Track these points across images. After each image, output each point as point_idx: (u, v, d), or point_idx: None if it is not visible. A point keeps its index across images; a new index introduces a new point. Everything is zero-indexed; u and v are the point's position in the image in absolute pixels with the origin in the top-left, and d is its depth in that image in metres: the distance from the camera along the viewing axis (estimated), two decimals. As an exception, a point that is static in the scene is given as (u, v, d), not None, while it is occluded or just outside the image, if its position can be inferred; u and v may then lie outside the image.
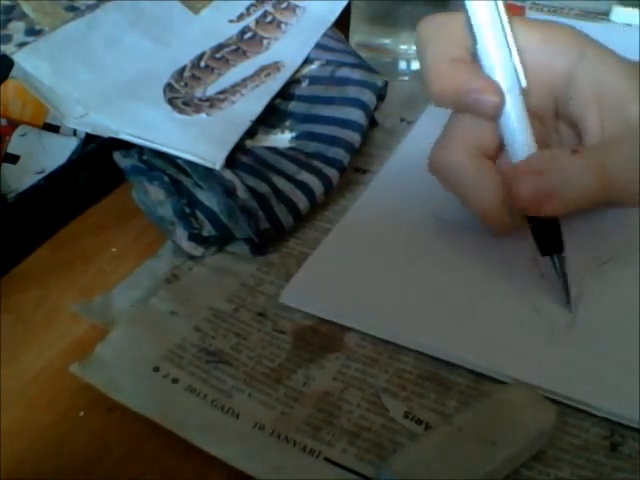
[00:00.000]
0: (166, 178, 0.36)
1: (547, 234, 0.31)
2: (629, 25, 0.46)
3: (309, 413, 0.28)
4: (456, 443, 0.25)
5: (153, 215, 0.36)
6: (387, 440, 0.27)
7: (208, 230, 0.35)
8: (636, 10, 0.46)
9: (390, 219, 0.37)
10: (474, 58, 0.30)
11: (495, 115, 0.30)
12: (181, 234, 0.35)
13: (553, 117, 0.33)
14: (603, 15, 0.47)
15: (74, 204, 0.41)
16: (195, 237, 0.35)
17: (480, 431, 0.25)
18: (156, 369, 0.30)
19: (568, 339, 0.30)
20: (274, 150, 0.39)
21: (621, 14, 0.46)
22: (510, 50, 0.30)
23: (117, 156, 0.36)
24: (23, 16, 0.39)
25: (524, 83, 0.30)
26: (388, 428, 0.28)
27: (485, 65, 0.30)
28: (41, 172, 0.41)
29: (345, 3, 0.45)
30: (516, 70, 0.30)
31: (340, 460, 0.27)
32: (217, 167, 0.34)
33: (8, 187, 0.40)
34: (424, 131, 0.43)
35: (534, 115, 0.32)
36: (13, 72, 0.40)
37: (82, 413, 0.30)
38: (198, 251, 0.36)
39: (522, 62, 0.30)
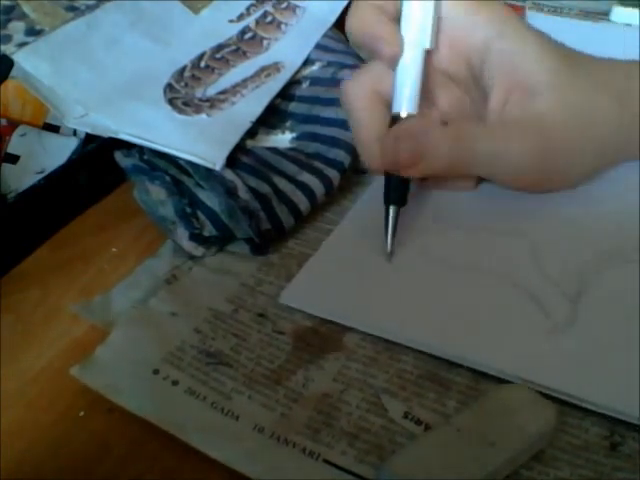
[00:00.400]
0: (167, 178, 0.36)
1: (396, 187, 0.33)
2: (629, 25, 0.46)
3: (309, 415, 0.28)
4: (455, 444, 0.25)
5: (154, 215, 0.36)
6: (387, 441, 0.27)
7: (209, 230, 0.35)
8: (636, 10, 0.46)
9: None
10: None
11: (391, 65, 0.33)
12: (182, 234, 0.35)
13: (471, 82, 0.35)
14: (603, 15, 0.47)
15: (74, 204, 0.41)
16: (196, 237, 0.35)
17: (479, 432, 0.25)
18: (156, 371, 0.30)
19: (569, 336, 0.30)
20: (275, 150, 0.39)
21: (621, 14, 0.46)
22: (429, 12, 0.32)
23: (118, 155, 0.36)
24: (23, 16, 0.39)
25: (429, 45, 0.33)
26: (388, 429, 0.28)
27: (402, 18, 0.33)
28: (41, 172, 0.41)
29: (345, 3, 0.45)
30: (426, 31, 0.33)
31: (340, 462, 0.27)
32: (217, 168, 0.34)
33: (8, 187, 0.40)
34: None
35: (449, 78, 0.35)
36: (13, 72, 0.40)
37: (82, 413, 0.30)
38: (199, 251, 0.36)
39: (439, 27, 0.33)
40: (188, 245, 0.35)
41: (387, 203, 0.34)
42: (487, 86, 0.34)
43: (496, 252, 0.34)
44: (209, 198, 0.35)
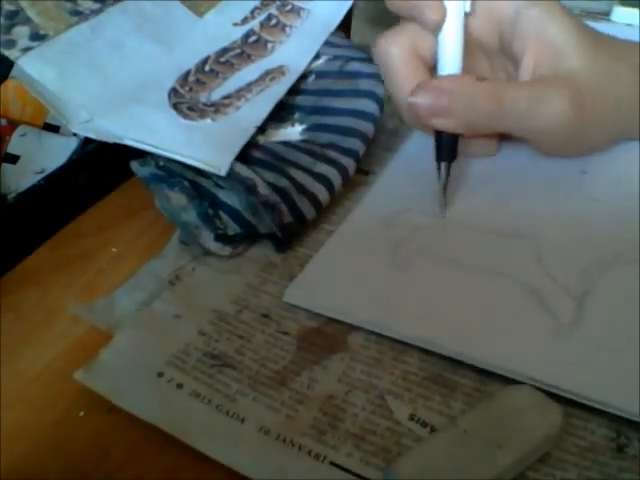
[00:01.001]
0: (186, 183, 0.35)
1: (445, 143, 0.35)
2: (630, 25, 0.46)
3: (314, 416, 0.28)
4: (461, 446, 0.25)
5: (177, 221, 0.36)
6: (392, 443, 0.27)
7: (233, 229, 0.35)
8: (637, 10, 0.46)
9: (393, 219, 0.37)
10: None
11: (435, 30, 0.35)
12: (207, 236, 0.35)
13: (500, 53, 0.37)
14: (604, 15, 0.47)
15: (74, 204, 0.40)
16: (221, 237, 0.35)
17: (485, 434, 0.25)
18: (160, 374, 0.30)
19: (574, 336, 0.30)
20: (287, 144, 0.39)
21: (622, 14, 0.47)
22: None
23: (135, 166, 0.36)
24: (27, 21, 0.39)
25: (468, 9, 0.35)
26: (393, 431, 0.27)
27: None
28: (41, 172, 0.40)
29: (349, 5, 0.44)
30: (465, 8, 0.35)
31: (345, 464, 0.26)
32: (222, 173, 0.34)
33: (8, 187, 0.39)
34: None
35: (480, 47, 0.37)
36: (13, 72, 0.40)
37: (82, 414, 0.30)
38: (225, 251, 0.36)
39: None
40: (214, 246, 0.35)
41: (438, 160, 0.35)
42: (517, 53, 0.35)
43: (501, 252, 0.34)
44: (229, 197, 0.35)
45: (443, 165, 0.35)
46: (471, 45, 0.36)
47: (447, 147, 0.35)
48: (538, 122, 0.34)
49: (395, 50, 0.36)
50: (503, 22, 0.35)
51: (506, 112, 0.34)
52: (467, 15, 0.35)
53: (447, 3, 0.34)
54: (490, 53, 0.37)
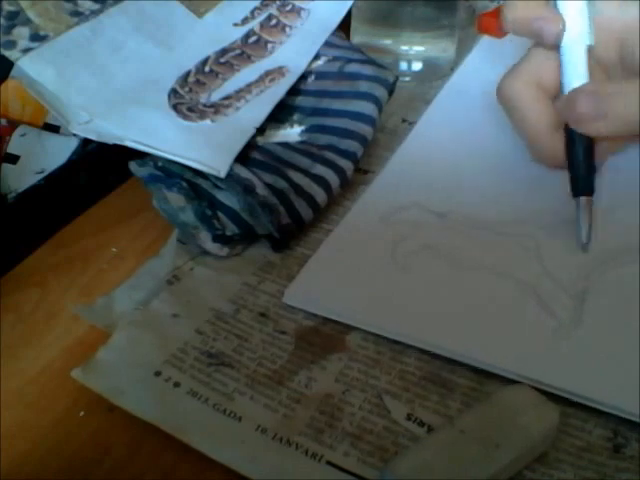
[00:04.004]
0: (184, 183, 0.35)
1: (581, 176, 0.34)
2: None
3: (311, 415, 0.28)
4: (458, 446, 0.25)
5: (176, 221, 0.36)
6: (389, 443, 0.27)
7: (231, 229, 0.35)
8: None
9: (392, 218, 0.37)
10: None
11: (555, 43, 0.35)
12: (205, 237, 0.35)
13: (618, 67, 0.36)
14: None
15: (74, 204, 0.40)
16: (219, 238, 0.35)
17: (482, 433, 0.25)
18: (158, 373, 0.30)
19: (574, 336, 0.30)
20: (286, 145, 0.39)
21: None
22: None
23: (133, 166, 0.36)
24: (28, 21, 0.39)
25: (590, 41, 0.34)
26: (390, 430, 0.28)
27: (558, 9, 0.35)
28: (41, 172, 0.40)
29: (349, 5, 0.44)
30: (586, 19, 0.34)
31: (342, 463, 0.26)
32: (222, 175, 0.34)
33: (8, 187, 0.39)
34: (425, 132, 0.43)
35: (599, 63, 0.36)
36: (13, 73, 0.40)
37: (82, 413, 0.30)
38: (224, 251, 0.36)
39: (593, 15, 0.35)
40: (213, 247, 0.35)
41: (576, 194, 0.34)
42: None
43: (501, 251, 0.34)
44: (227, 198, 0.35)
45: (582, 200, 0.33)
46: (591, 62, 0.36)
47: (586, 178, 0.34)
48: None
49: (517, 87, 0.36)
50: (624, 35, 0.35)
51: None
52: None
53: (566, 15, 0.34)
54: (609, 68, 0.37)
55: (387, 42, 0.49)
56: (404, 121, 0.45)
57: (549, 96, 0.36)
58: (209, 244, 0.35)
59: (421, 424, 0.28)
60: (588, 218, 0.33)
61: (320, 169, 0.37)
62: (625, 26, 0.35)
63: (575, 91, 0.34)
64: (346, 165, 0.38)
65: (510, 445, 0.25)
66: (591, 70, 0.35)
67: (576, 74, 0.34)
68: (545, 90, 0.36)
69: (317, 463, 0.26)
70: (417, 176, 0.39)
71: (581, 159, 0.34)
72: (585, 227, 0.33)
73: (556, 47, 0.35)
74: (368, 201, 0.38)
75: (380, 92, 0.40)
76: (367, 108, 0.40)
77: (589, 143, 0.34)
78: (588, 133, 0.33)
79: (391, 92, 0.41)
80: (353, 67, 0.41)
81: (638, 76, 0.35)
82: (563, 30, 0.34)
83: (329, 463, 0.26)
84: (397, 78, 0.42)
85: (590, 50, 0.35)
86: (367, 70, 0.41)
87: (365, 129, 0.39)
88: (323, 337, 0.32)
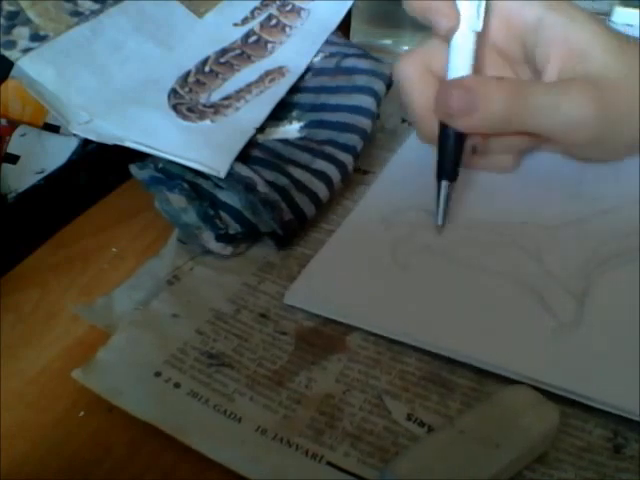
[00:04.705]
0: (185, 184, 0.35)
1: (448, 163, 0.35)
2: (630, 25, 0.47)
3: (311, 416, 0.28)
4: (459, 446, 0.25)
5: (178, 222, 0.36)
6: (390, 443, 0.27)
7: (234, 228, 0.35)
8: (637, 11, 0.46)
9: (392, 219, 0.37)
10: None
11: (447, 37, 0.35)
12: (208, 237, 0.35)
13: (523, 62, 0.37)
14: (604, 16, 0.47)
15: (74, 204, 0.40)
16: (222, 237, 0.35)
17: (482, 434, 0.25)
18: (158, 374, 0.30)
19: (574, 335, 0.30)
20: (286, 142, 0.39)
21: (622, 15, 0.47)
22: None
23: (134, 169, 0.36)
24: (28, 21, 0.39)
25: (479, 28, 0.35)
26: (391, 431, 0.28)
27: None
28: (41, 172, 0.40)
29: (349, 5, 0.44)
30: (477, 14, 0.34)
31: (343, 464, 0.26)
32: (222, 175, 0.34)
33: (8, 187, 0.39)
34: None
35: (504, 58, 0.37)
36: (13, 73, 0.40)
37: (82, 413, 0.30)
38: (227, 250, 0.36)
39: (494, 10, 0.35)
40: (216, 246, 0.35)
41: (439, 179, 0.35)
42: (541, 60, 0.35)
43: (501, 251, 0.34)
44: (229, 196, 0.35)
45: (444, 184, 0.35)
46: (494, 56, 0.37)
47: (448, 166, 0.35)
48: (560, 119, 0.33)
49: (408, 68, 0.37)
50: (525, 30, 0.35)
51: (528, 107, 0.34)
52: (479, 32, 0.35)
53: (461, 9, 0.34)
54: (514, 63, 0.38)
55: (387, 42, 0.49)
56: (404, 121, 0.45)
57: (437, 80, 0.36)
58: (212, 244, 0.35)
59: (421, 424, 0.28)
60: (444, 202, 0.35)
61: (321, 164, 0.37)
62: (526, 25, 0.35)
63: (448, 83, 0.35)
64: (347, 159, 0.38)
65: (510, 445, 0.25)
66: (484, 63, 0.36)
67: (459, 65, 0.35)
68: (435, 76, 0.36)
69: (317, 464, 0.26)
70: (417, 177, 0.39)
71: (448, 148, 0.35)
72: (442, 210, 0.35)
73: (447, 39, 0.35)
74: (369, 202, 0.38)
75: (378, 85, 0.40)
76: (365, 101, 0.40)
77: (460, 134, 0.35)
78: (456, 127, 0.34)
79: (389, 85, 0.41)
80: (350, 62, 0.41)
81: (536, 76, 0.36)
82: (457, 26, 0.34)
83: (329, 464, 0.26)
84: None
85: (494, 44, 0.36)
86: (364, 64, 0.41)
87: (364, 122, 0.39)
88: (323, 338, 0.32)
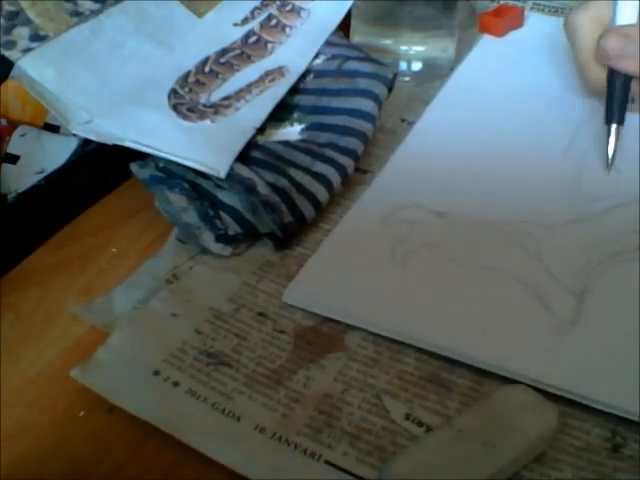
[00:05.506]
0: (186, 184, 0.36)
1: (615, 107, 0.38)
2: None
3: (310, 415, 0.28)
4: (457, 445, 0.25)
5: (178, 222, 0.36)
6: (388, 442, 0.27)
7: (234, 229, 0.35)
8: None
9: (391, 217, 0.37)
10: None
11: None
12: (208, 237, 0.35)
13: None
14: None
15: (74, 204, 0.40)
16: (222, 238, 0.35)
17: (481, 433, 0.25)
18: (156, 373, 0.30)
19: (574, 335, 0.30)
20: (286, 144, 0.39)
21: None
22: None
23: (134, 168, 0.36)
24: (28, 22, 0.39)
25: None
26: (389, 430, 0.28)
27: None
28: (41, 172, 0.40)
29: (349, 5, 0.44)
30: None
31: (341, 463, 0.26)
32: (222, 175, 0.34)
33: (8, 187, 0.40)
34: (425, 132, 0.43)
35: None
36: (13, 73, 0.40)
37: (82, 414, 0.30)
38: (227, 251, 0.36)
39: None
40: (216, 247, 0.35)
41: (609, 122, 0.38)
42: None
43: (501, 251, 0.34)
44: (229, 197, 0.35)
45: (613, 127, 0.38)
46: None
47: (619, 109, 0.38)
48: None
49: (580, 18, 0.40)
50: None
51: None
52: None
53: None
54: None
55: (387, 42, 0.49)
56: (403, 121, 0.45)
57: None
58: (212, 244, 0.35)
59: (420, 424, 0.28)
60: (614, 143, 0.38)
61: (321, 167, 0.37)
62: None
63: (609, 30, 0.38)
64: (347, 162, 0.38)
65: (508, 445, 0.25)
66: None
67: (624, 15, 0.38)
68: (605, 25, 0.39)
69: (316, 462, 0.27)
70: (417, 176, 0.39)
71: (616, 92, 0.38)
72: (611, 150, 0.38)
73: None
74: (368, 201, 0.38)
75: (379, 89, 0.40)
76: (367, 105, 0.40)
77: (626, 79, 0.38)
78: (617, 68, 0.37)
79: (390, 89, 0.41)
80: (352, 64, 0.41)
81: None
82: None
83: (328, 463, 0.27)
84: (396, 75, 0.42)
85: None
86: (366, 67, 0.41)
87: (365, 126, 0.39)
88: (322, 337, 0.32)
